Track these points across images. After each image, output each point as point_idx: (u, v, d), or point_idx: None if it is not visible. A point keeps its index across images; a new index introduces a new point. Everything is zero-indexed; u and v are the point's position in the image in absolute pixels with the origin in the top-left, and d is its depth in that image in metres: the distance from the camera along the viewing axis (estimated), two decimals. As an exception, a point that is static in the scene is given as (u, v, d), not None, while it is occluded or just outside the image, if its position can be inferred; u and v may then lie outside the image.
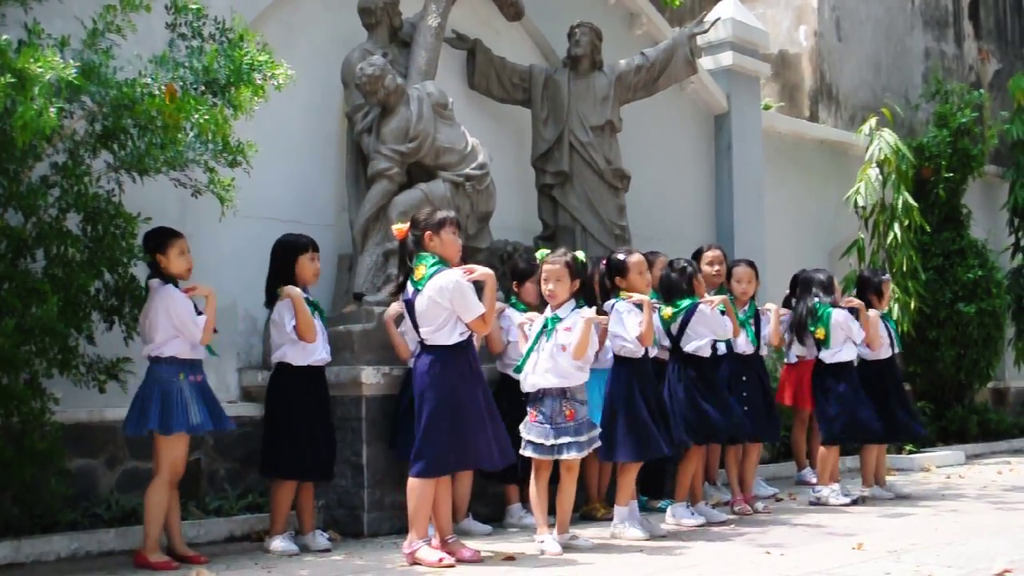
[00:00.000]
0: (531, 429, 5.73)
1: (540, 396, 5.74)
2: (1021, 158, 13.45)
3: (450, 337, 5.44)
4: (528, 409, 5.79)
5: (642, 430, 6.10)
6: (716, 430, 6.75)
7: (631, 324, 6.15)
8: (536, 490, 5.81)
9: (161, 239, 5.54)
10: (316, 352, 5.92)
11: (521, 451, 5.76)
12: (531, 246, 7.83)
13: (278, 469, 5.91)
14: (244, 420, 6.64)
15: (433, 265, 5.47)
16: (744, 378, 7.42)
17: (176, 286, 5.53)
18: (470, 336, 5.52)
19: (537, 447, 5.72)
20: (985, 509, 7.21)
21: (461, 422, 5.37)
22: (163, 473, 5.44)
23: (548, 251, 6.07)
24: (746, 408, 7.29)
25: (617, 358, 6.27)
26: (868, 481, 8.02)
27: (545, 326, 5.83)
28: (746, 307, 7.61)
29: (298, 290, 5.82)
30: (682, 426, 6.58)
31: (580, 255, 6.05)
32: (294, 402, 5.87)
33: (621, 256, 6.41)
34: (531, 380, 5.79)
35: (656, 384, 6.39)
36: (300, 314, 5.78)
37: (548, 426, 5.70)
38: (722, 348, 7.25)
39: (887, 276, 8.33)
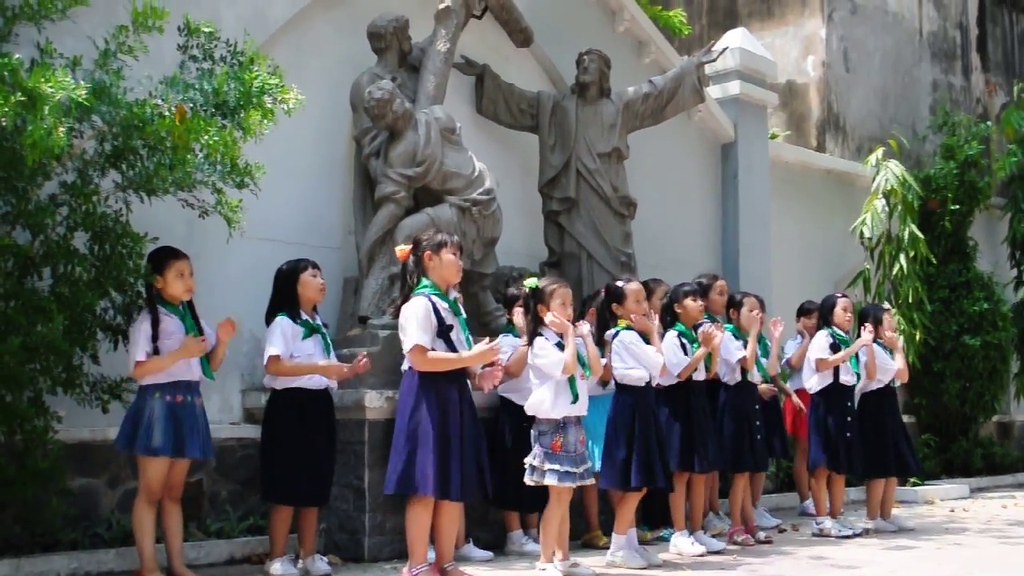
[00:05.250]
0: (560, 459, 5.66)
1: (564, 425, 5.71)
2: (1019, 192, 13.43)
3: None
4: (548, 440, 5.70)
5: (643, 459, 6.10)
6: (697, 462, 6.75)
7: (647, 352, 6.22)
8: (558, 519, 5.74)
9: (160, 260, 5.47)
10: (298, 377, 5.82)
11: (553, 482, 5.65)
12: (537, 272, 7.82)
13: (271, 493, 5.86)
14: (247, 442, 6.64)
15: (419, 289, 5.49)
16: (757, 407, 7.41)
17: (171, 308, 5.45)
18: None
19: (571, 476, 5.68)
20: (989, 543, 7.17)
21: (416, 446, 5.32)
22: (140, 492, 5.41)
23: (536, 279, 6.06)
24: (759, 437, 7.28)
25: (619, 386, 6.28)
26: (873, 513, 7.98)
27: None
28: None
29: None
30: (675, 456, 6.61)
31: (533, 282, 6.00)
32: (288, 426, 5.79)
33: (620, 283, 6.43)
34: (579, 407, 5.77)
35: (657, 414, 6.38)
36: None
37: (574, 454, 5.70)
38: (736, 377, 7.25)
39: (887, 307, 8.24)
